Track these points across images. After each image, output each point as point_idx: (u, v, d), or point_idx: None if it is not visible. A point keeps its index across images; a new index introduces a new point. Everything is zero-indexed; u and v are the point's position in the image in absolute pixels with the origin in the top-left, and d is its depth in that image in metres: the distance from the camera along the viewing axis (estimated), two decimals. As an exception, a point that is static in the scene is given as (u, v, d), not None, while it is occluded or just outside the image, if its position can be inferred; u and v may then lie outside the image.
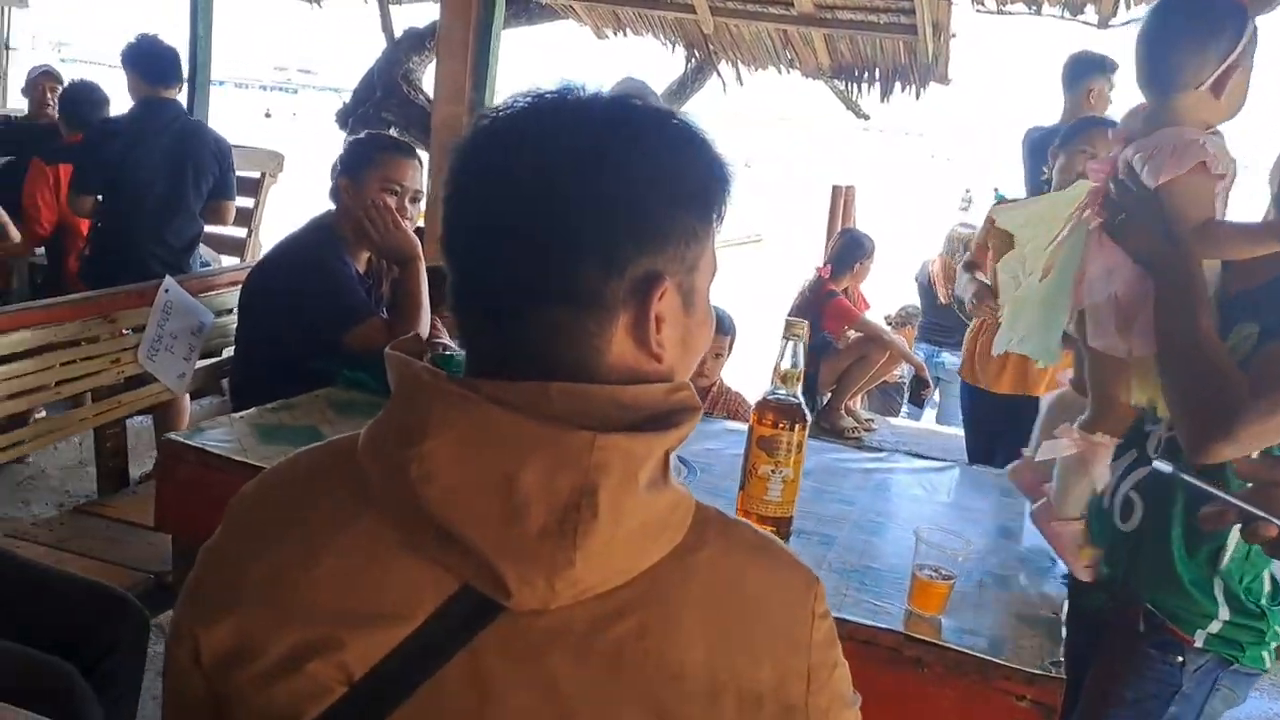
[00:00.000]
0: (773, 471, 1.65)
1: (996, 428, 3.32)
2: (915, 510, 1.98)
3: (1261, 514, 1.06)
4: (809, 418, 1.67)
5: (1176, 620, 1.55)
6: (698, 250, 0.76)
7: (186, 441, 1.76)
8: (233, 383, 2.59)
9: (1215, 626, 1.53)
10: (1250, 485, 1.11)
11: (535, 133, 0.74)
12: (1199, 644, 1.54)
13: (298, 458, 0.83)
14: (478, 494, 0.69)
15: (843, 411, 4.80)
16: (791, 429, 1.63)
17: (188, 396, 3.22)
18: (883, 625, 1.45)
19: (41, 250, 4.21)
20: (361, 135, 2.57)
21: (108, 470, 2.55)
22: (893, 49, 4.98)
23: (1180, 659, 1.55)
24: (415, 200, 2.46)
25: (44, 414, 2.94)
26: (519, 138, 0.74)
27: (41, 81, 4.94)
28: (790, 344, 1.65)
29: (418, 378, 0.73)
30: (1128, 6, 4.29)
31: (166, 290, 2.50)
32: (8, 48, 7.62)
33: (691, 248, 0.75)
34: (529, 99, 0.76)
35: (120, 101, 3.82)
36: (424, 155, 3.26)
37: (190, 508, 1.78)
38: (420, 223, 2.80)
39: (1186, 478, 1.14)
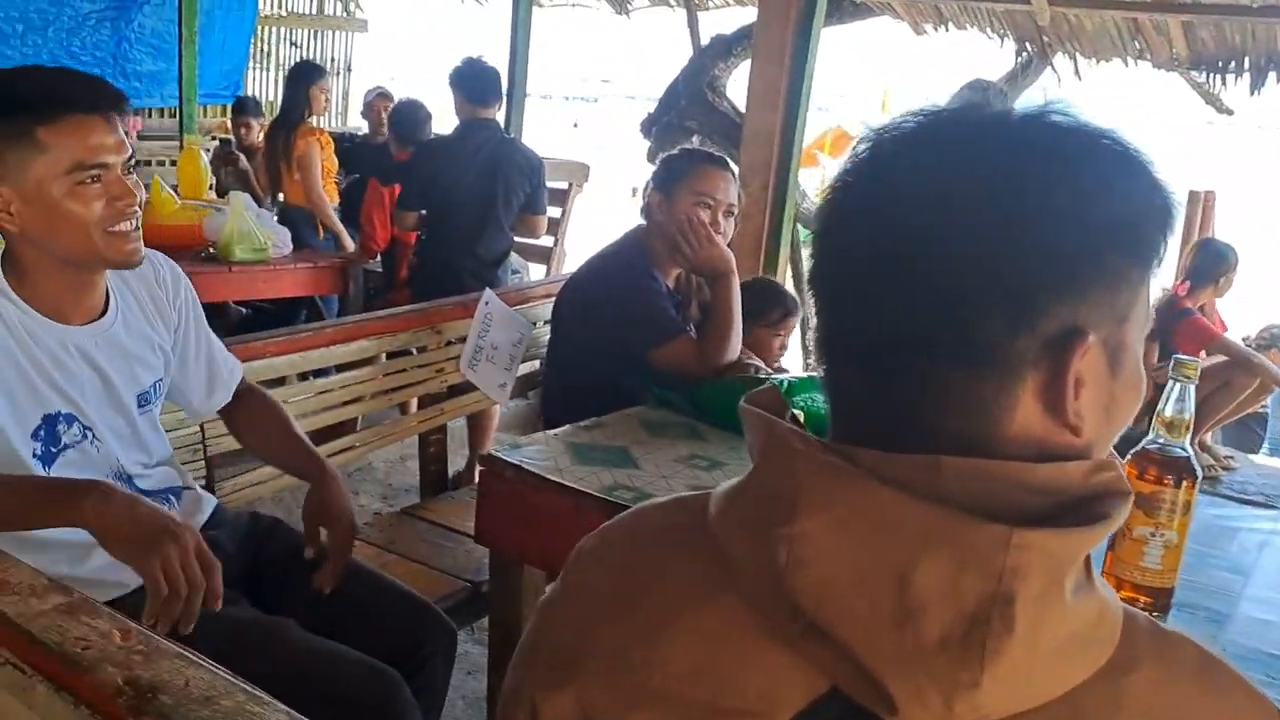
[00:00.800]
0: (1152, 534, 1.42)
1: None
2: (1329, 588, 1.63)
3: None
4: (1199, 474, 1.42)
5: None
6: (1129, 298, 0.61)
7: (505, 458, 1.77)
8: (543, 393, 2.62)
9: None
10: None
11: (930, 158, 0.62)
12: None
13: (642, 515, 0.75)
14: (860, 590, 0.58)
15: (1198, 446, 4.23)
16: (1178, 486, 1.41)
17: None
18: (1300, 734, 1.18)
19: (378, 256, 4.54)
20: (675, 151, 2.52)
21: (429, 475, 2.66)
22: (1267, 35, 4.36)
23: None
24: (729, 215, 2.38)
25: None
26: (910, 164, 0.62)
27: (377, 102, 5.35)
28: (1178, 387, 1.41)
29: (786, 443, 0.62)
30: None
31: (487, 303, 2.56)
32: (349, 69, 8.41)
33: (1122, 295, 0.61)
34: (920, 118, 0.64)
35: (448, 119, 4.02)
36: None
37: (508, 522, 1.80)
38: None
39: None
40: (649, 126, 6.43)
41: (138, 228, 1.44)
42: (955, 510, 0.57)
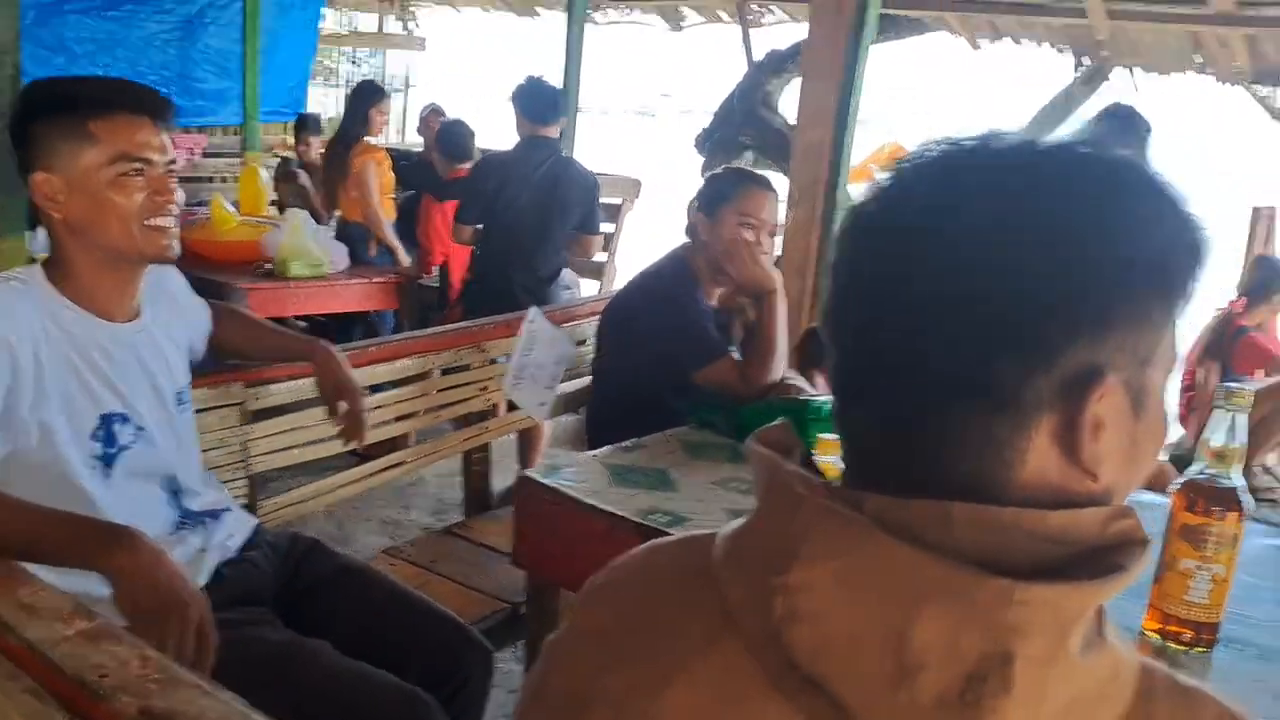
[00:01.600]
0: (1198, 568, 1.38)
1: None
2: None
3: None
4: (1249, 506, 1.37)
5: None
6: (1153, 339, 0.59)
7: (542, 480, 1.76)
8: (588, 412, 2.63)
9: None
10: None
11: (948, 190, 0.60)
12: None
13: (652, 555, 0.74)
14: (857, 645, 0.56)
15: (1256, 469, 4.13)
16: (1224, 519, 1.36)
17: (547, 418, 3.33)
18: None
19: (435, 271, 4.60)
20: (719, 171, 2.53)
21: (473, 493, 2.67)
22: (1332, 47, 4.24)
23: None
24: (773, 234, 2.39)
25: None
26: (926, 196, 0.60)
27: (431, 118, 5.43)
28: (1229, 416, 1.37)
29: (788, 487, 0.61)
30: None
31: (531, 321, 2.57)
32: (408, 86, 8.54)
33: (1145, 335, 0.58)
34: (941, 148, 0.62)
35: (507, 135, 4.06)
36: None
37: (544, 545, 1.79)
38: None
39: None
40: (703, 142, 6.44)
41: (176, 225, 1.52)
42: (959, 563, 0.55)
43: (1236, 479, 1.38)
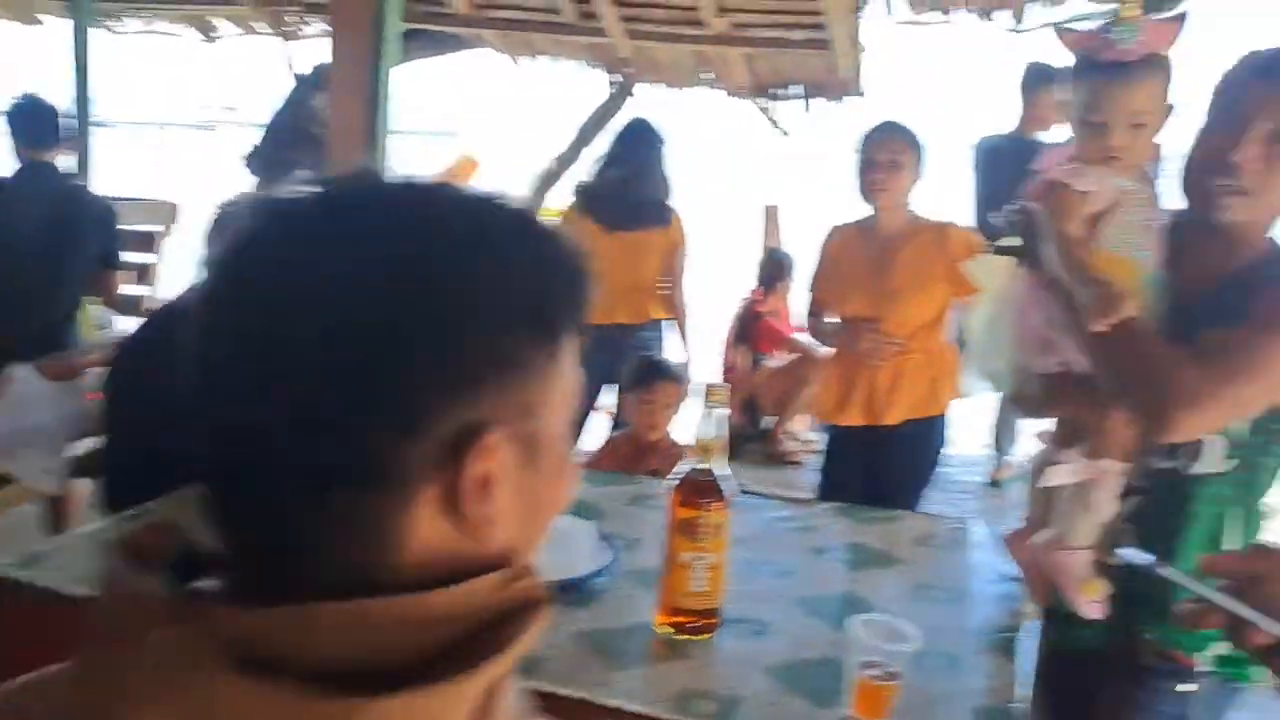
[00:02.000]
0: (696, 558, 1.48)
1: (852, 462, 2.95)
2: (861, 578, 1.78)
3: (1251, 615, 0.90)
4: (732, 493, 1.50)
5: (1179, 646, 1.47)
6: (539, 384, 0.55)
7: (14, 575, 1.51)
8: (103, 476, 2.34)
9: (1222, 648, 1.43)
10: (1226, 583, 0.94)
11: (297, 248, 0.53)
12: (1204, 668, 1.46)
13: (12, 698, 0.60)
14: None
15: (782, 435, 4.70)
16: (710, 509, 1.46)
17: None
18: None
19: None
20: (232, 198, 2.37)
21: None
22: (811, 65, 4.89)
23: (1187, 685, 1.48)
24: None
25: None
26: (275, 257, 0.53)
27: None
28: (710, 411, 1.48)
29: (129, 609, 0.52)
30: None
31: (21, 380, 2.25)
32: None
33: (528, 383, 0.55)
34: (295, 199, 0.54)
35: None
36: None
37: (24, 655, 1.53)
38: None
39: (1165, 573, 1.02)
40: (254, 159, 6.07)
41: None
42: (291, 690, 0.47)
43: (719, 469, 1.49)
